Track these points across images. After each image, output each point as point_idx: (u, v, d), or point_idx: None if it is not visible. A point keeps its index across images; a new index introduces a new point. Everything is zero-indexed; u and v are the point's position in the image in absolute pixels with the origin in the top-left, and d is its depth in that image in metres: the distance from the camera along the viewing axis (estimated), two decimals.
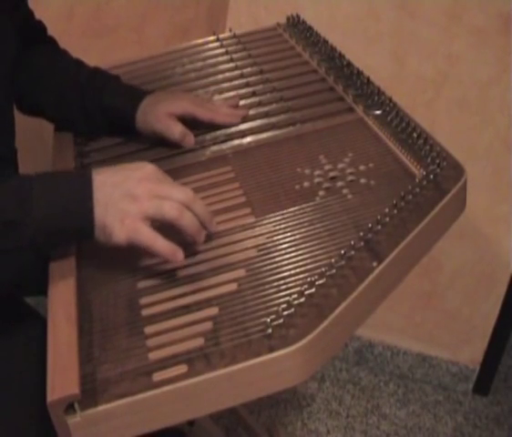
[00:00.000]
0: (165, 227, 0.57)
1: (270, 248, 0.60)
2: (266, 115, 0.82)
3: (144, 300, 0.56)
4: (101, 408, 0.47)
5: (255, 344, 0.50)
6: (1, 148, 0.74)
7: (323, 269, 0.55)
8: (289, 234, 0.62)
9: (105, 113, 0.81)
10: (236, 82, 0.91)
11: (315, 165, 0.71)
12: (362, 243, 0.58)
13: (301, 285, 0.54)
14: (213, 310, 0.54)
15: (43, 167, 0.62)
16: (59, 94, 0.82)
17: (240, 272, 0.58)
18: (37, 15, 0.86)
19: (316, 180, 0.69)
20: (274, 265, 0.58)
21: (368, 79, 0.84)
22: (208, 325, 0.53)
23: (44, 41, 0.87)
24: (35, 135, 0.92)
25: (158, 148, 0.78)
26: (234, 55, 0.97)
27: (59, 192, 0.55)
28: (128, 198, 0.56)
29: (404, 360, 1.49)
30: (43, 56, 0.84)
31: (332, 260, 0.56)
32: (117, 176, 0.57)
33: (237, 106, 0.84)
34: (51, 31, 0.88)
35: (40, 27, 0.87)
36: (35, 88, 0.82)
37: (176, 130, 0.77)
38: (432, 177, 0.65)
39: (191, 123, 0.79)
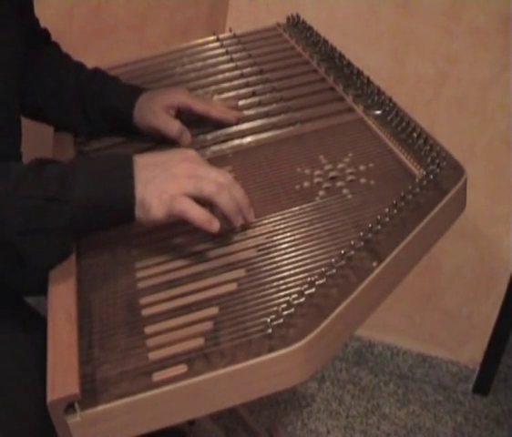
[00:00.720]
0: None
1: (270, 248, 0.60)
2: (266, 115, 0.82)
3: (144, 300, 0.56)
4: (101, 408, 0.47)
5: (255, 344, 0.50)
6: (9, 148, 0.74)
7: (323, 269, 0.55)
8: (289, 234, 0.62)
9: (104, 113, 0.81)
10: (236, 82, 0.91)
11: (315, 165, 0.71)
12: (362, 243, 0.58)
13: (301, 285, 0.54)
14: (213, 310, 0.54)
15: None
16: (60, 98, 0.82)
17: (240, 272, 0.58)
18: (37, 15, 0.85)
19: (316, 180, 0.69)
20: (274, 265, 0.58)
21: (368, 79, 0.84)
22: (208, 325, 0.53)
23: (47, 47, 0.87)
24: (35, 135, 0.92)
25: (158, 148, 0.78)
26: (234, 55, 0.97)
27: (101, 171, 0.56)
28: (167, 177, 0.57)
29: (404, 360, 1.49)
30: (44, 61, 0.84)
31: (332, 260, 0.56)
32: (159, 157, 0.59)
33: (236, 108, 0.84)
34: (51, 31, 0.88)
35: (45, 34, 0.88)
36: (37, 92, 0.83)
37: (174, 127, 0.77)
38: (432, 177, 0.65)
39: (190, 122, 0.79)
